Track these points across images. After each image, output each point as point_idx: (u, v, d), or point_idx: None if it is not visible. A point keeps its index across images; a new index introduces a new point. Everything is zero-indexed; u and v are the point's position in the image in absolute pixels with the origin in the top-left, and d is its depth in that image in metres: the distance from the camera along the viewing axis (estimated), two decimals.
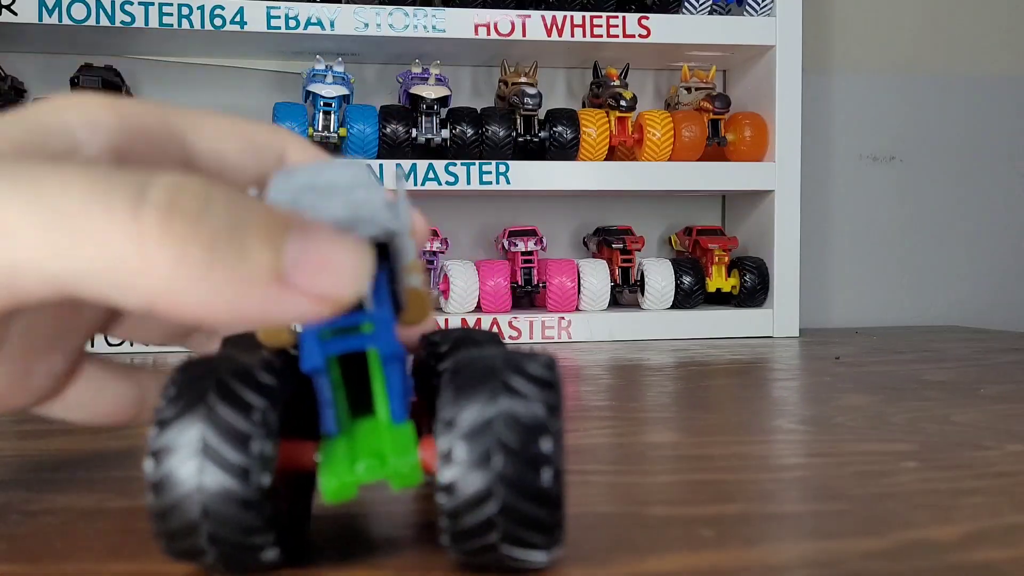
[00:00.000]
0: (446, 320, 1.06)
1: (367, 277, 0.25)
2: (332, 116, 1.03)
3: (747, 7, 1.13)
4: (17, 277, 0.23)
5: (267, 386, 0.27)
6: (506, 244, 1.14)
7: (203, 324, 0.26)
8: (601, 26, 1.08)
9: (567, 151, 1.09)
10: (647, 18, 1.09)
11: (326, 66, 1.04)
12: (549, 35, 1.07)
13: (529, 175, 1.07)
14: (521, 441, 0.25)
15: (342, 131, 1.03)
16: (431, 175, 1.04)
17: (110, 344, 0.97)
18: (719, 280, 1.16)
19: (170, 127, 0.32)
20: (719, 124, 1.16)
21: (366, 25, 1.03)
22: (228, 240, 0.23)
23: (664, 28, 1.10)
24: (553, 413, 0.26)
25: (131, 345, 0.97)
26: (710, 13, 1.13)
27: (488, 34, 1.05)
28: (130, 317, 0.38)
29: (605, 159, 1.12)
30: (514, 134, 1.08)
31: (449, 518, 0.26)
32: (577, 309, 1.12)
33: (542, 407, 0.26)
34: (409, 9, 1.04)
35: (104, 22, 0.98)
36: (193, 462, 0.25)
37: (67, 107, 0.29)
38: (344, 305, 0.24)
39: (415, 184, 1.03)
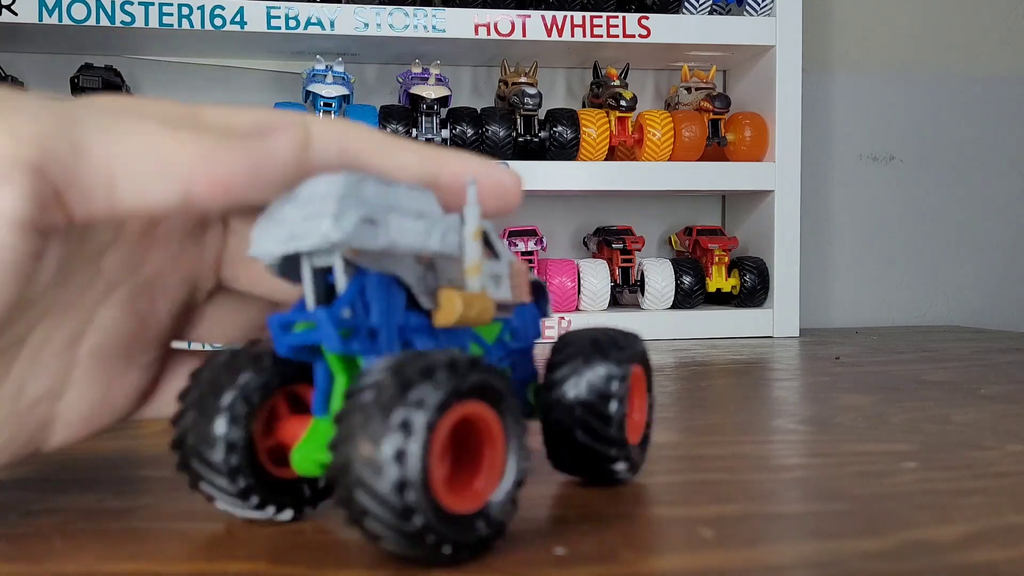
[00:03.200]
0: None
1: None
2: (332, 116, 1.03)
3: (747, 7, 1.13)
4: (85, 153, 0.27)
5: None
6: (506, 244, 1.13)
7: (241, 188, 0.29)
8: (601, 26, 1.08)
9: (567, 151, 1.09)
10: (647, 18, 1.09)
11: (326, 66, 1.03)
12: (549, 35, 1.07)
13: (529, 174, 1.06)
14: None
15: None
16: None
17: None
18: (719, 280, 1.16)
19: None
20: (719, 124, 1.16)
21: (366, 25, 1.03)
22: (227, 128, 0.30)
23: (664, 28, 1.10)
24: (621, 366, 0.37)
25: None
26: (710, 13, 1.12)
27: (488, 34, 1.05)
28: (201, 318, 0.38)
29: (605, 159, 1.11)
30: (514, 134, 1.08)
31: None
32: (577, 309, 1.12)
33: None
34: (409, 9, 1.04)
35: (104, 22, 0.98)
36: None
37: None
38: (306, 135, 0.31)
39: None
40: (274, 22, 1.01)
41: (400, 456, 0.26)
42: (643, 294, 1.14)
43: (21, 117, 0.27)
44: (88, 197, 0.27)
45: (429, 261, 0.33)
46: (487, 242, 0.36)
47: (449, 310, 0.33)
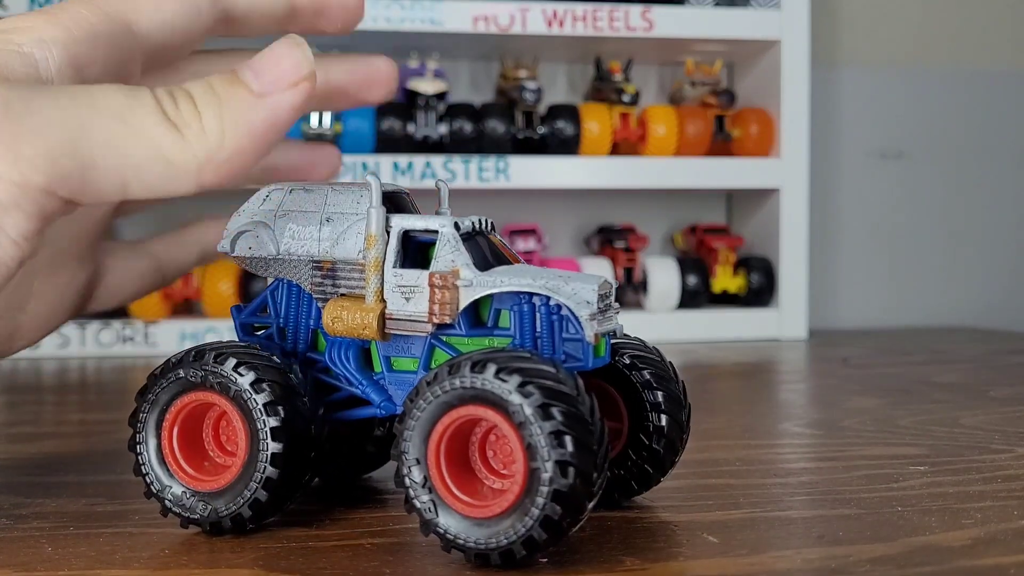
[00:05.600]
0: None
1: (308, 52, 0.31)
2: (327, 111, 1.02)
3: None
4: (96, 166, 0.29)
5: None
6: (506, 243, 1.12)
7: (252, 164, 0.31)
8: (602, 19, 1.06)
9: (568, 147, 1.07)
10: (650, 10, 1.07)
11: None
12: (549, 27, 1.05)
13: (529, 171, 1.05)
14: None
15: (337, 127, 1.02)
16: (429, 171, 1.02)
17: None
18: (725, 280, 1.14)
19: (116, 22, 0.34)
20: (724, 120, 1.14)
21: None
22: (215, 95, 0.30)
23: (667, 21, 1.08)
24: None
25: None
26: (715, 5, 1.11)
27: (487, 27, 1.04)
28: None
29: (608, 155, 1.10)
30: (514, 129, 1.06)
31: None
32: None
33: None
34: (406, 1, 1.02)
35: None
36: None
37: (13, 30, 0.32)
38: (312, 81, 0.31)
39: (411, 181, 1.02)
40: None
41: None
42: (646, 294, 1.12)
43: (27, 136, 0.28)
44: (100, 195, 0.30)
45: (331, 267, 0.35)
46: (416, 247, 0.35)
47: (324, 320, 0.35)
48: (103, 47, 0.34)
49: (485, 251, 0.35)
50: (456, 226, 0.34)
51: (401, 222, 0.34)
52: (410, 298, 0.34)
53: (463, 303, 0.33)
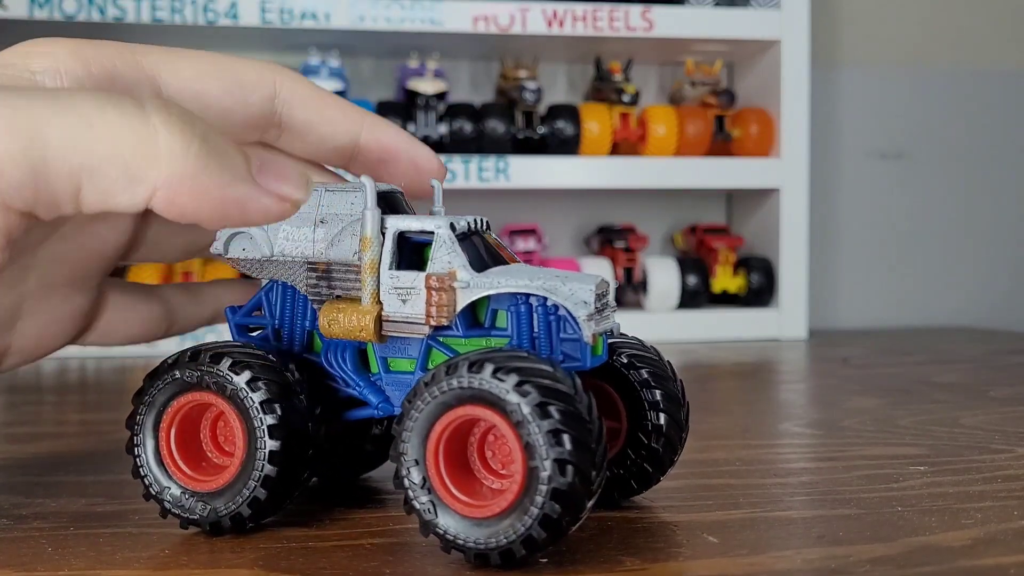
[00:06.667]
0: None
1: (311, 188, 0.30)
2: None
3: None
4: (48, 171, 0.26)
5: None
6: (506, 243, 1.12)
7: (196, 220, 0.28)
8: (602, 19, 1.06)
9: (568, 147, 1.07)
10: (650, 10, 1.07)
11: (321, 60, 1.02)
12: (549, 27, 1.05)
13: (529, 171, 1.05)
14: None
15: None
16: None
17: None
18: (725, 280, 1.14)
19: (141, 69, 0.33)
20: (724, 120, 1.14)
21: (362, 18, 1.01)
22: (214, 141, 0.27)
23: (667, 21, 1.08)
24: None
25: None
26: (715, 5, 1.11)
27: (487, 27, 1.04)
28: (144, 241, 0.39)
29: (608, 155, 1.10)
30: (514, 129, 1.06)
31: None
32: None
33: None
34: (406, 1, 1.02)
35: (96, 17, 0.97)
36: None
37: (33, 55, 0.31)
38: (291, 212, 0.30)
39: None
40: (268, 16, 0.99)
41: None
42: (646, 294, 1.12)
43: None
44: (54, 206, 0.27)
45: (326, 268, 0.35)
46: (412, 248, 0.35)
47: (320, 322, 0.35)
48: (117, 90, 0.32)
49: (481, 251, 0.35)
50: (452, 227, 0.34)
51: (396, 223, 0.34)
52: (407, 300, 0.33)
53: (460, 305, 0.33)
